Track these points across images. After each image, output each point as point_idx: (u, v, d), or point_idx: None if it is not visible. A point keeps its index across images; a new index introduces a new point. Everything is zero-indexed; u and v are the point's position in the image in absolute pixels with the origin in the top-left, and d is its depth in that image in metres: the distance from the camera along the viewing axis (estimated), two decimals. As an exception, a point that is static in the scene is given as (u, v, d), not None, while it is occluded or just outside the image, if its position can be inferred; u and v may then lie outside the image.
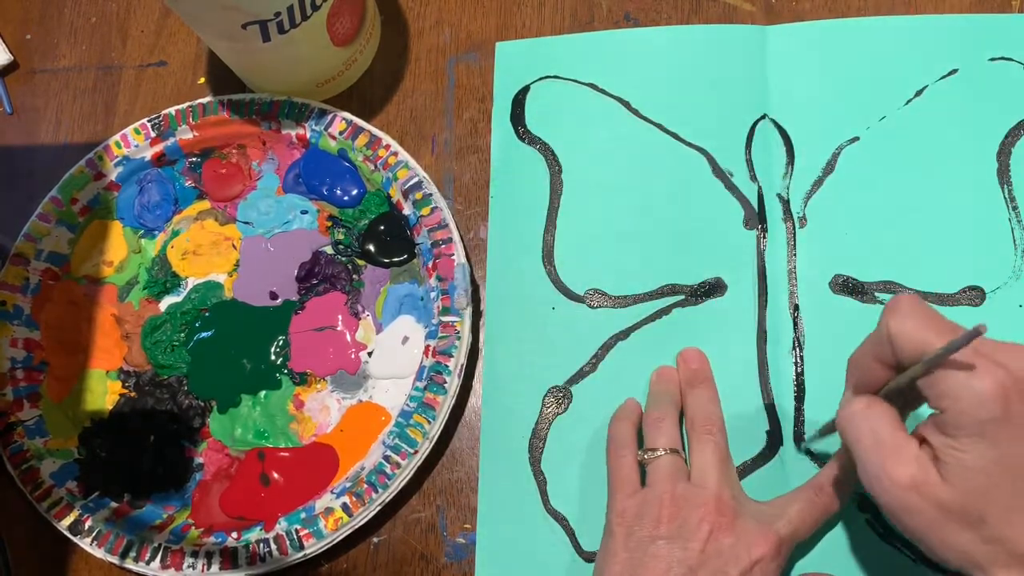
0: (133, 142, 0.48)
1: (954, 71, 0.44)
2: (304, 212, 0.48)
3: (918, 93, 0.44)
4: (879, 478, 0.30)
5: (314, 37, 0.44)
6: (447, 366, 0.42)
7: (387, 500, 0.40)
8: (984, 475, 0.28)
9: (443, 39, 0.50)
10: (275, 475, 0.43)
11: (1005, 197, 0.42)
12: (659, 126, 0.45)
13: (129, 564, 0.41)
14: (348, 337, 0.45)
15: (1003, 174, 0.42)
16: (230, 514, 0.43)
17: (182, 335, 0.46)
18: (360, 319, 0.45)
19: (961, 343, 0.27)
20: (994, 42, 0.44)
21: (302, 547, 0.40)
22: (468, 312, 0.42)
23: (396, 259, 0.46)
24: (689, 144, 0.45)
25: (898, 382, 0.31)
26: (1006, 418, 0.27)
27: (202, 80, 0.52)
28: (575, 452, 0.41)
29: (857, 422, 0.31)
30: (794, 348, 0.41)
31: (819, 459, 0.39)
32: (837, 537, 0.38)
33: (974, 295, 0.41)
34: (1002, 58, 0.44)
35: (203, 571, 0.40)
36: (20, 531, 0.45)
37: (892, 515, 0.30)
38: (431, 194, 0.44)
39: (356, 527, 0.40)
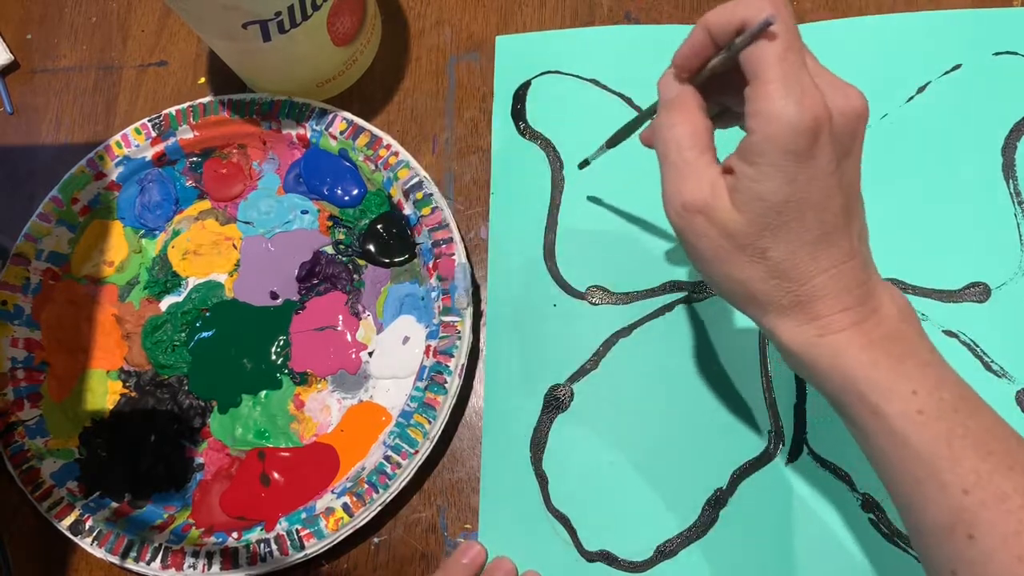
0: (134, 142, 0.48)
1: (958, 67, 0.44)
2: (305, 212, 0.48)
3: (920, 90, 0.44)
4: (672, 197, 0.29)
5: (314, 37, 0.44)
6: (448, 366, 0.41)
7: (388, 500, 0.40)
8: (773, 210, 0.27)
9: (444, 39, 0.50)
10: (276, 475, 0.43)
11: (1010, 192, 0.42)
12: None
13: (130, 564, 0.41)
14: (349, 337, 0.45)
15: (1008, 169, 0.42)
16: (231, 514, 0.43)
17: (183, 335, 0.46)
18: (361, 319, 0.45)
19: (761, 27, 0.26)
20: (999, 37, 0.44)
21: (303, 547, 0.40)
22: (469, 312, 0.42)
23: (397, 259, 0.46)
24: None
25: (717, 62, 0.28)
26: (810, 155, 0.26)
27: (202, 80, 0.52)
28: (576, 451, 0.41)
29: (666, 135, 0.29)
30: (796, 347, 0.41)
31: (822, 460, 0.39)
32: (841, 538, 0.38)
33: (979, 291, 0.40)
34: (1007, 52, 0.43)
35: (204, 571, 0.40)
36: (21, 531, 0.45)
37: (679, 236, 0.30)
38: (432, 194, 0.44)
39: (357, 527, 0.40)
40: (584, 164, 0.44)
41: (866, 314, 0.28)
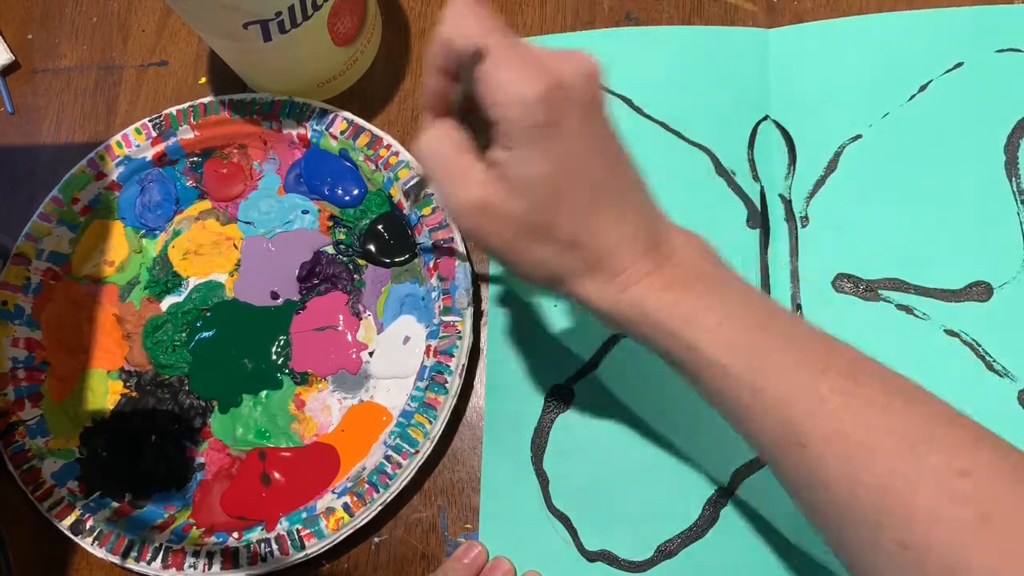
0: (134, 142, 0.48)
1: (959, 64, 0.44)
2: (305, 212, 0.48)
3: (922, 88, 0.44)
4: (450, 205, 0.30)
5: (315, 37, 0.44)
6: (448, 366, 0.41)
7: (388, 500, 0.40)
8: (545, 184, 0.28)
9: (444, 38, 0.50)
10: (276, 475, 0.43)
11: (1013, 191, 0.41)
12: (662, 124, 0.45)
13: (130, 564, 0.41)
14: (349, 337, 0.45)
15: (1011, 167, 0.42)
16: (231, 514, 0.43)
17: (183, 335, 0.46)
18: (361, 319, 0.45)
19: (473, 59, 0.27)
20: (1001, 34, 0.43)
21: (303, 547, 0.40)
22: (469, 312, 0.42)
23: (397, 259, 0.46)
24: (692, 143, 0.45)
25: (456, 96, 0.30)
26: (554, 123, 0.27)
27: (203, 80, 0.52)
28: (577, 451, 0.41)
29: (424, 153, 0.31)
30: (796, 347, 0.41)
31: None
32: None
33: (981, 291, 0.40)
34: (1009, 50, 0.43)
35: (204, 571, 0.40)
36: (21, 531, 0.45)
37: (473, 240, 0.31)
38: (432, 194, 0.44)
39: (357, 527, 0.40)
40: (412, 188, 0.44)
41: (660, 260, 0.30)
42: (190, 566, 0.41)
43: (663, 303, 0.29)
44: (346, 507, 0.40)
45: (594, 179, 0.28)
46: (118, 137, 0.48)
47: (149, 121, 0.49)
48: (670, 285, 0.29)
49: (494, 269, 0.45)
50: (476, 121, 0.30)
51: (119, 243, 0.49)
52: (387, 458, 0.41)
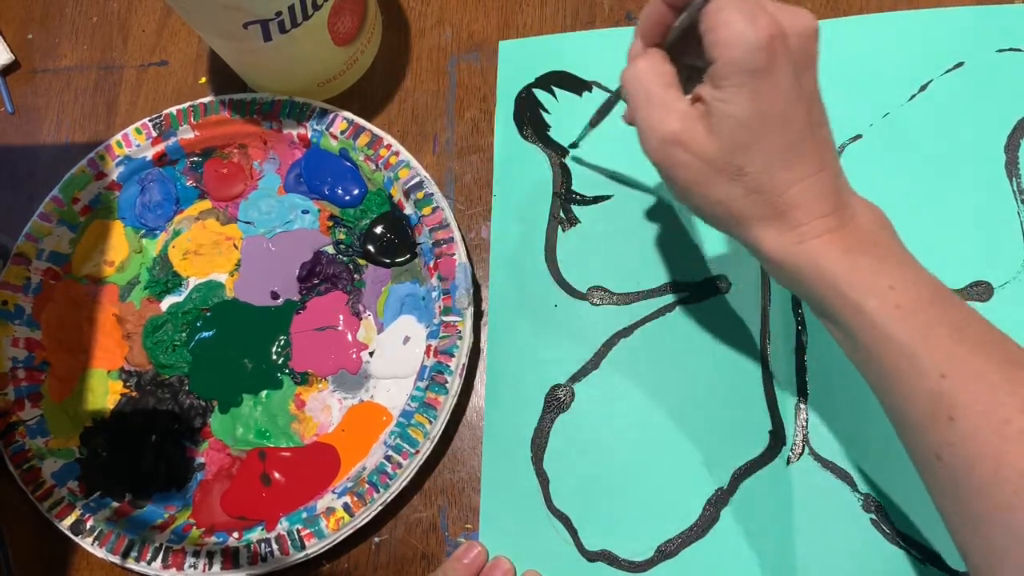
0: (134, 142, 0.48)
1: (960, 64, 0.44)
2: (305, 212, 0.48)
3: (923, 88, 0.44)
4: (646, 133, 0.31)
5: (315, 36, 0.44)
6: (448, 366, 0.41)
7: (388, 500, 0.40)
8: (745, 127, 0.29)
9: (444, 38, 0.50)
10: (276, 475, 0.43)
11: (1014, 190, 0.41)
12: (661, 125, 0.45)
13: (130, 564, 0.41)
14: (349, 337, 0.45)
15: (1011, 167, 0.42)
16: (231, 514, 0.43)
17: (183, 335, 0.46)
18: (361, 319, 0.45)
19: None
20: (1001, 34, 0.43)
21: (303, 547, 0.40)
22: (469, 312, 0.42)
23: (397, 259, 0.46)
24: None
25: (677, 26, 0.31)
26: (769, 70, 0.28)
27: (203, 80, 0.52)
28: (577, 451, 0.41)
29: (631, 80, 0.31)
30: (797, 347, 0.41)
31: (823, 460, 0.39)
32: (842, 538, 0.38)
33: (981, 290, 0.40)
34: (1010, 49, 0.43)
35: (204, 571, 0.40)
36: (21, 531, 0.45)
37: (660, 171, 0.31)
38: (432, 194, 0.44)
39: (357, 527, 0.40)
40: (574, 145, 0.46)
41: (843, 220, 0.30)
42: (190, 566, 0.41)
43: (840, 264, 0.29)
44: (346, 507, 0.40)
45: (793, 132, 0.29)
46: (118, 137, 0.48)
47: (149, 121, 0.49)
48: (849, 247, 0.30)
49: (495, 269, 0.45)
50: (681, 65, 0.31)
51: (119, 243, 0.49)
52: (387, 458, 0.41)
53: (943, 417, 0.27)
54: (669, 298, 0.43)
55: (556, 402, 0.42)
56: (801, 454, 0.39)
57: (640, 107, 0.31)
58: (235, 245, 0.48)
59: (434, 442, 0.41)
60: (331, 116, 0.47)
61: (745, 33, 0.28)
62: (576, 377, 0.42)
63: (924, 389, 0.28)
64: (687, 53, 0.31)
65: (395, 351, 0.44)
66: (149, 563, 0.41)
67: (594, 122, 0.41)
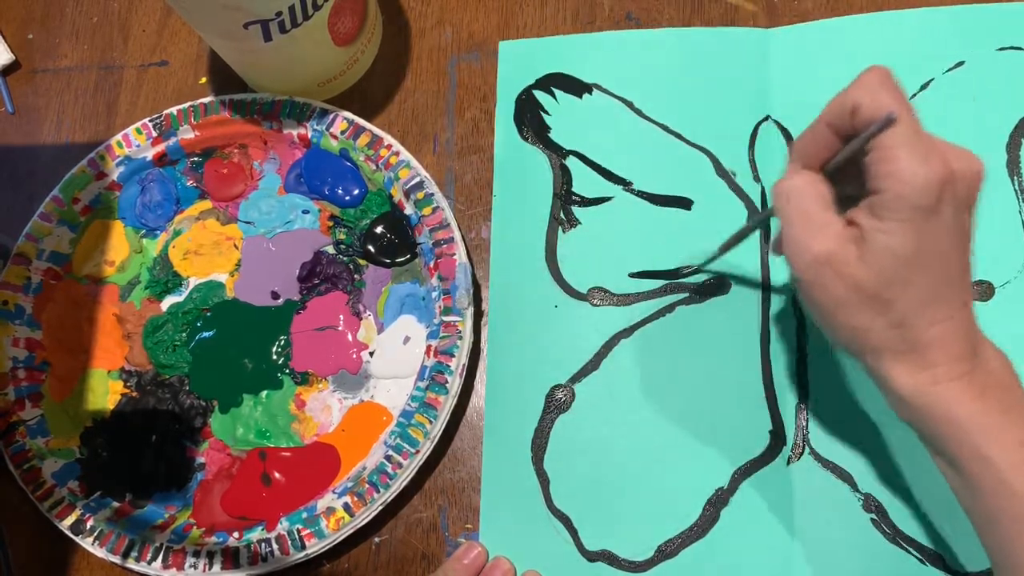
0: (135, 142, 0.48)
1: (961, 63, 0.44)
2: (306, 212, 0.48)
3: (924, 87, 0.44)
4: (797, 250, 0.30)
5: (315, 37, 0.44)
6: (449, 366, 0.41)
7: (389, 500, 0.40)
8: (902, 262, 0.28)
9: (444, 39, 0.50)
10: (277, 475, 0.43)
11: (1015, 189, 0.41)
12: (663, 126, 0.45)
13: (131, 564, 0.41)
14: (349, 337, 0.45)
15: (1012, 166, 0.42)
16: (232, 514, 0.43)
17: (184, 335, 0.46)
18: (362, 319, 0.45)
19: (884, 123, 0.28)
20: (1002, 32, 0.43)
21: (304, 547, 0.40)
22: (470, 312, 0.42)
23: (398, 259, 0.46)
24: (692, 144, 0.45)
25: (843, 154, 0.30)
26: (935, 211, 0.28)
27: (203, 80, 0.52)
28: (578, 451, 0.41)
29: (787, 195, 0.31)
30: (797, 347, 0.41)
31: (824, 460, 0.39)
32: (842, 538, 0.38)
33: (982, 290, 0.40)
34: (1011, 48, 0.43)
35: (204, 571, 0.40)
36: (22, 530, 0.45)
37: (804, 289, 0.31)
38: (432, 194, 0.44)
39: (358, 527, 0.40)
40: (695, 271, 0.43)
41: (976, 364, 0.30)
42: (190, 566, 0.41)
43: (971, 411, 0.29)
44: (346, 507, 0.40)
45: (948, 270, 0.29)
46: (119, 137, 0.48)
47: (150, 121, 0.49)
48: (981, 394, 0.29)
49: (495, 269, 0.45)
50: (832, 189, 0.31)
51: (119, 243, 0.49)
52: (387, 458, 0.41)
53: None
54: (669, 299, 0.43)
55: (556, 402, 0.42)
56: (801, 454, 0.40)
57: (794, 223, 0.31)
58: (235, 245, 0.48)
59: (434, 442, 0.41)
60: (331, 116, 0.47)
61: (918, 172, 0.27)
62: (576, 377, 0.42)
63: None
64: (842, 180, 0.31)
65: (395, 351, 0.44)
66: (149, 563, 0.41)
67: (728, 246, 0.40)
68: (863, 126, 0.29)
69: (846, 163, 0.30)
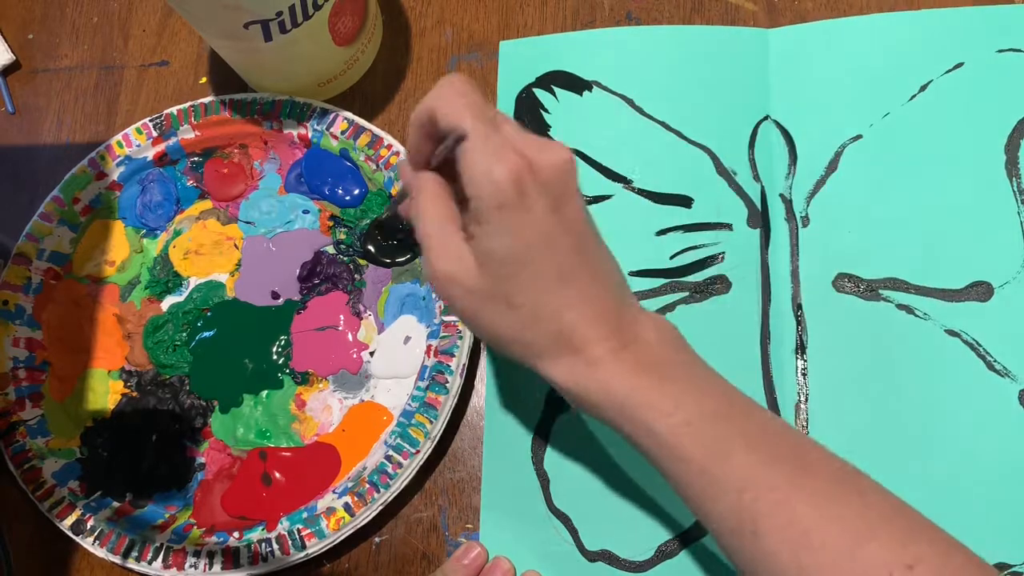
0: (135, 142, 0.48)
1: (960, 65, 0.44)
2: (306, 212, 0.48)
3: (923, 88, 0.44)
4: (428, 272, 0.32)
5: (316, 36, 0.44)
6: (449, 366, 0.41)
7: (389, 500, 0.40)
8: (509, 260, 0.29)
9: (445, 39, 0.50)
10: (277, 475, 0.43)
11: (1014, 190, 0.41)
12: (663, 124, 0.45)
13: (131, 564, 0.41)
14: (350, 337, 0.45)
15: (1011, 167, 0.42)
16: (232, 514, 0.43)
17: (184, 335, 0.46)
18: (362, 319, 0.45)
19: (456, 140, 0.29)
20: (1001, 34, 0.43)
21: (304, 547, 0.40)
22: (470, 311, 0.42)
23: (398, 259, 0.46)
24: (692, 143, 0.45)
25: (436, 159, 0.32)
26: (520, 206, 0.29)
27: (204, 80, 0.52)
28: (578, 451, 0.41)
29: (414, 217, 0.32)
30: (797, 347, 0.41)
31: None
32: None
33: (982, 291, 0.40)
34: (1010, 50, 0.43)
35: (205, 571, 0.40)
36: (22, 530, 0.45)
37: (446, 304, 0.32)
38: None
39: (358, 527, 0.40)
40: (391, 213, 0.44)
41: (625, 341, 0.31)
42: (191, 566, 0.41)
43: (625, 387, 0.30)
44: (347, 507, 0.40)
45: (558, 259, 0.30)
46: (119, 137, 0.49)
47: (150, 121, 0.49)
48: (633, 370, 0.30)
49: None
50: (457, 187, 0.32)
51: (120, 243, 0.49)
52: (388, 458, 0.41)
53: (748, 532, 0.28)
54: (669, 298, 0.43)
55: (557, 402, 0.42)
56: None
57: (422, 243, 0.32)
58: (236, 245, 0.48)
59: (435, 442, 0.41)
60: (331, 116, 0.47)
61: (491, 171, 0.28)
62: (576, 377, 0.42)
63: (725, 505, 0.29)
64: (456, 182, 0.32)
65: (395, 351, 0.44)
66: (150, 563, 0.41)
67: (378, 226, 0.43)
68: (446, 131, 0.30)
69: (450, 166, 0.31)
